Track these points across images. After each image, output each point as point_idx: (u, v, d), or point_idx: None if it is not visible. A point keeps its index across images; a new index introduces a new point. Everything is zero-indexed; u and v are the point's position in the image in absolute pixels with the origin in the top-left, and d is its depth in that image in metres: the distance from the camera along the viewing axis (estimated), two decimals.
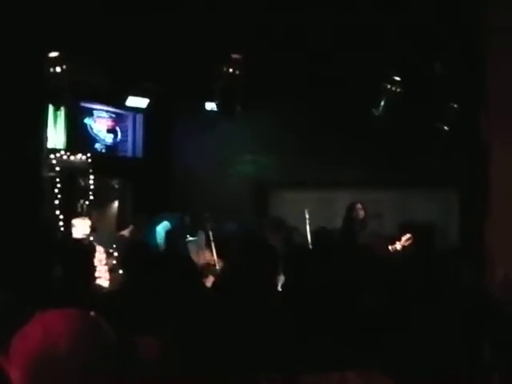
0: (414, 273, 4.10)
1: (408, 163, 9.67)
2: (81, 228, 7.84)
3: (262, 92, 9.44)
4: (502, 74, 6.45)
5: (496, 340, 2.84)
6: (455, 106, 8.53)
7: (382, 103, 8.85)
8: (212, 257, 7.95)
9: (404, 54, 8.22)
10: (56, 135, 9.73)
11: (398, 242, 7.30)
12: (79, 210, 9.28)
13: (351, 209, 7.96)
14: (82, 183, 9.55)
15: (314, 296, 3.13)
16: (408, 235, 7.31)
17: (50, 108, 9.07)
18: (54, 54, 7.51)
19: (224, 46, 8.05)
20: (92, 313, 2.12)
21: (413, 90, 8.82)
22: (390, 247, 7.29)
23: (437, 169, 9.34)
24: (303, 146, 10.33)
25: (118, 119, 11.29)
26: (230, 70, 8.19)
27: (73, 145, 9.91)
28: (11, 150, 7.56)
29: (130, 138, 11.53)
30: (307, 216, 8.06)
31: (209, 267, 7.62)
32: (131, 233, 8.83)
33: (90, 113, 10.85)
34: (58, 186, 9.05)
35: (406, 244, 7.25)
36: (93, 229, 8.25)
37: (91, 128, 10.87)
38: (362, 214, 7.89)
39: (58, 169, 9.12)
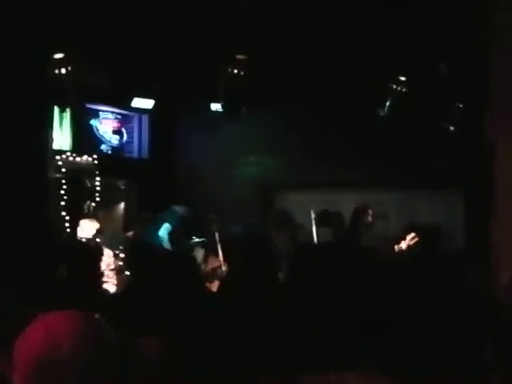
0: (418, 274, 4.09)
1: (413, 164, 9.66)
2: (87, 229, 7.85)
3: (267, 93, 9.43)
4: (505, 74, 6.42)
5: (499, 342, 2.84)
6: (460, 106, 8.51)
7: (388, 104, 8.83)
8: (218, 260, 7.94)
9: (409, 54, 8.20)
10: (62, 137, 9.76)
11: (403, 241, 7.28)
12: (85, 211, 9.31)
13: (359, 211, 7.93)
14: (88, 184, 9.58)
15: (318, 296, 3.13)
16: (413, 234, 7.29)
17: (56, 110, 9.09)
18: (58, 56, 7.53)
19: (228, 47, 8.06)
20: (95, 314, 2.13)
21: (418, 91, 8.81)
22: (395, 246, 7.27)
23: (442, 170, 9.32)
24: (308, 147, 10.33)
25: (123, 120, 11.31)
26: (235, 71, 8.19)
27: (79, 146, 9.94)
28: (17, 152, 7.58)
29: (135, 139, 11.54)
30: (313, 216, 8.06)
31: (215, 272, 7.61)
32: (135, 232, 8.85)
33: (95, 114, 10.88)
34: (64, 187, 9.08)
35: (412, 243, 7.23)
36: (99, 230, 8.27)
37: (97, 129, 10.89)
38: (369, 216, 7.87)
39: (63, 170, 9.15)
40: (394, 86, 8.81)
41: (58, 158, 9.16)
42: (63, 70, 7.59)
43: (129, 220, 10.43)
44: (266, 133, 10.54)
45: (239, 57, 8.17)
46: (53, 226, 8.57)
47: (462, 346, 2.78)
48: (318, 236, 7.84)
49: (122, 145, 11.33)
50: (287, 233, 7.69)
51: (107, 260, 6.83)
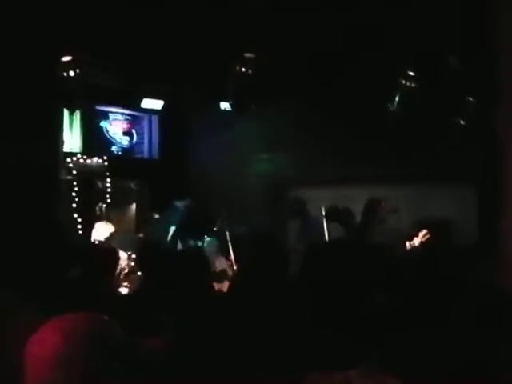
0: (430, 269, 4.07)
1: (424, 158, 9.61)
2: (102, 232, 7.87)
3: (277, 90, 9.42)
4: None
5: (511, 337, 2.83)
6: (471, 100, 8.47)
7: (397, 98, 8.81)
8: (228, 260, 7.95)
9: (418, 48, 8.17)
10: (72, 139, 9.80)
11: (415, 238, 7.26)
12: (97, 212, 9.34)
13: (371, 205, 7.90)
14: (99, 186, 9.61)
15: (328, 293, 3.13)
16: (425, 231, 7.27)
17: (66, 112, 9.13)
18: (67, 58, 7.56)
19: (237, 45, 8.06)
20: (104, 316, 2.14)
21: (429, 85, 8.77)
22: (407, 243, 7.25)
23: (453, 164, 9.27)
24: (318, 143, 10.30)
25: (133, 121, 11.34)
26: (243, 69, 8.19)
27: (89, 148, 9.97)
28: (28, 155, 7.62)
29: (145, 140, 11.58)
30: (323, 213, 8.05)
31: (225, 273, 7.61)
32: (144, 233, 8.88)
33: (105, 116, 10.92)
34: (75, 189, 9.12)
35: (424, 240, 7.21)
36: (112, 233, 8.30)
37: (107, 131, 10.93)
38: (382, 211, 7.84)
39: (74, 172, 9.18)
40: (404, 81, 8.77)
41: (68, 160, 9.20)
42: (72, 72, 7.62)
43: (140, 221, 10.46)
44: (277, 130, 10.52)
45: (247, 55, 8.17)
46: (65, 228, 8.60)
47: (475, 341, 2.77)
48: (328, 232, 7.85)
49: (132, 146, 11.36)
50: (301, 222, 7.76)
51: (122, 262, 6.85)
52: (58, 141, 8.93)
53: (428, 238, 7.19)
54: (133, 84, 9.73)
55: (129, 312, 3.28)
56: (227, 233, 8.27)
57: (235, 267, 7.67)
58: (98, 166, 9.63)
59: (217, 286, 6.77)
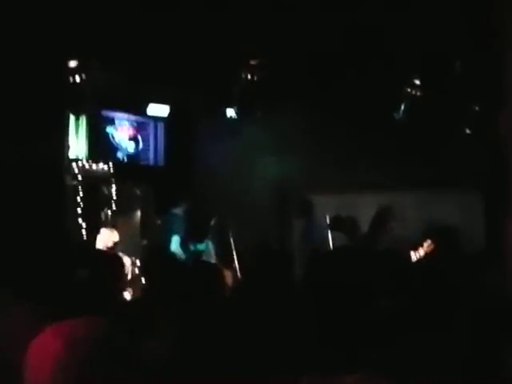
0: (436, 276, 4.05)
1: (431, 165, 9.59)
2: (106, 239, 7.86)
3: (283, 96, 9.42)
4: None
5: None
6: (477, 106, 8.46)
7: (403, 106, 8.80)
8: (231, 265, 7.93)
9: (424, 55, 8.16)
10: (78, 144, 9.80)
11: (420, 248, 7.22)
12: (102, 218, 9.34)
13: (382, 215, 7.83)
14: (105, 192, 9.60)
15: (332, 297, 3.11)
16: (429, 241, 7.23)
17: (72, 117, 9.14)
18: (73, 63, 7.57)
19: (242, 51, 8.06)
20: (106, 320, 2.13)
21: (434, 92, 8.75)
22: (413, 253, 7.21)
23: (459, 170, 9.25)
24: (324, 150, 10.29)
25: (139, 127, 11.34)
26: (249, 76, 8.19)
27: (95, 154, 9.97)
28: (33, 160, 7.62)
29: (151, 146, 11.57)
30: (328, 221, 8.03)
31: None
32: (149, 240, 8.89)
33: (111, 121, 10.91)
34: (81, 194, 9.11)
35: (429, 250, 7.18)
36: (115, 241, 8.29)
37: (113, 137, 10.92)
38: (392, 220, 7.79)
39: (80, 178, 9.18)
40: (409, 90, 8.77)
41: (74, 165, 9.19)
42: (78, 78, 7.63)
43: (145, 227, 10.46)
44: (282, 136, 10.51)
45: (253, 61, 8.17)
46: (70, 233, 8.60)
47: (481, 348, 2.75)
48: (332, 241, 7.82)
49: (138, 152, 11.35)
50: (306, 222, 7.77)
51: (126, 268, 6.84)
52: (64, 146, 8.93)
53: (433, 248, 7.16)
54: (139, 89, 9.75)
55: (133, 316, 3.26)
56: (232, 240, 8.26)
57: (239, 275, 7.65)
58: (104, 171, 9.62)
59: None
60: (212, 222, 8.68)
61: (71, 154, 9.45)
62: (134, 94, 10.03)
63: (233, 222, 8.63)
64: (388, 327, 2.93)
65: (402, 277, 3.71)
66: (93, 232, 8.25)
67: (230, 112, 10.09)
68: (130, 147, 11.21)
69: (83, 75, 7.68)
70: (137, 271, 7.89)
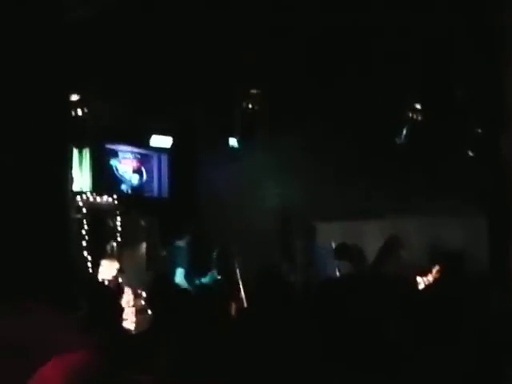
0: (442, 300, 4.03)
1: (434, 189, 9.57)
2: (108, 269, 7.86)
3: (285, 123, 9.45)
4: None
5: None
6: (479, 131, 8.47)
7: (405, 131, 8.81)
8: (238, 295, 7.88)
9: (425, 79, 8.20)
10: (82, 177, 9.84)
11: (430, 274, 7.18)
12: (108, 251, 9.33)
13: (391, 244, 7.75)
14: (110, 224, 9.61)
15: (339, 324, 3.10)
16: (437, 267, 7.20)
17: (75, 150, 9.18)
18: (76, 97, 7.62)
19: (243, 80, 8.11)
20: (105, 354, 2.12)
21: (436, 115, 8.77)
22: (421, 279, 7.17)
23: (463, 194, 9.22)
24: (328, 177, 10.29)
25: (143, 160, 11.40)
26: (249, 105, 8.24)
27: (99, 186, 10.00)
28: (37, 194, 7.64)
29: (155, 178, 11.61)
30: (333, 250, 8.00)
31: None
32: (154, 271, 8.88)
33: (115, 154, 10.98)
34: (85, 227, 9.12)
35: (436, 275, 7.13)
36: (121, 270, 8.27)
37: (117, 169, 10.98)
38: (400, 249, 7.72)
39: (84, 211, 9.19)
40: (411, 114, 8.79)
41: (78, 198, 9.22)
42: (80, 111, 7.69)
43: (151, 258, 10.44)
44: (286, 164, 10.52)
45: (253, 91, 8.22)
46: (74, 266, 8.59)
47: (486, 370, 2.72)
48: (338, 269, 7.77)
49: (141, 184, 11.40)
50: (308, 242, 7.75)
51: (127, 297, 6.82)
52: (68, 179, 8.95)
53: (441, 273, 7.11)
54: (141, 121, 9.80)
55: (134, 349, 3.25)
56: (237, 270, 8.23)
57: (245, 304, 7.61)
58: (108, 204, 9.64)
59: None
60: (214, 254, 8.66)
61: (75, 187, 9.48)
62: (136, 127, 10.10)
63: (238, 251, 8.59)
64: (395, 352, 2.91)
65: (409, 304, 3.69)
66: (98, 264, 8.25)
67: (232, 141, 10.13)
68: (134, 179, 11.26)
69: (85, 108, 7.74)
70: (143, 302, 7.86)
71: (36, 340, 2.76)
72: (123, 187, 11.06)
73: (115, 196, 9.75)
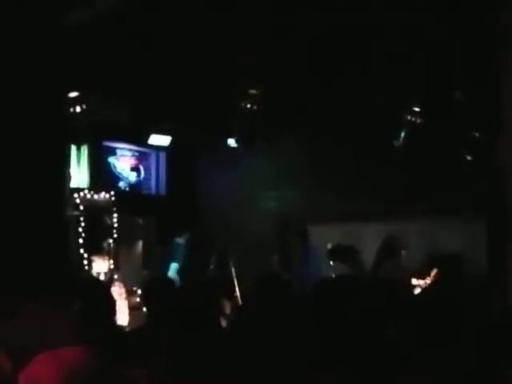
0: (441, 302, 4.02)
1: (432, 192, 9.56)
2: (100, 266, 7.86)
3: (284, 126, 9.44)
4: None
5: None
6: (478, 132, 8.46)
7: (403, 133, 8.81)
8: (233, 294, 7.89)
9: (424, 81, 8.19)
10: (80, 174, 9.83)
11: (428, 278, 7.17)
12: (104, 248, 9.31)
13: (389, 244, 7.73)
14: (107, 221, 9.60)
15: (338, 326, 3.09)
16: (435, 270, 7.18)
17: (73, 148, 9.18)
18: (74, 94, 7.61)
19: (243, 80, 8.10)
20: (99, 349, 2.10)
21: (435, 119, 8.77)
22: (419, 282, 7.15)
23: (462, 197, 9.22)
24: (326, 179, 10.27)
25: (141, 157, 11.39)
26: (248, 106, 8.23)
27: (96, 183, 9.99)
28: (35, 191, 7.62)
29: (153, 176, 11.61)
30: (328, 251, 7.96)
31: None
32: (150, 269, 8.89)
33: (113, 152, 10.97)
34: (83, 224, 9.10)
35: (436, 279, 7.12)
36: (116, 267, 8.26)
37: (115, 167, 10.97)
38: (398, 250, 7.69)
39: (81, 208, 9.18)
40: (409, 117, 8.78)
41: (76, 195, 9.20)
42: (79, 108, 7.67)
43: (147, 256, 10.43)
44: (285, 166, 10.51)
45: (252, 91, 8.22)
46: (72, 263, 8.57)
47: (486, 372, 2.71)
48: (333, 271, 7.75)
49: (139, 182, 11.39)
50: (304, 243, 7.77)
51: (118, 290, 6.81)
52: (66, 176, 8.94)
53: (439, 276, 7.10)
54: (140, 120, 9.79)
55: (130, 346, 3.24)
56: (233, 269, 8.23)
57: (240, 303, 7.61)
58: (106, 201, 9.62)
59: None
60: (212, 256, 8.66)
61: (73, 184, 9.47)
62: (135, 125, 10.08)
63: (234, 250, 8.60)
64: (393, 353, 2.90)
65: (407, 306, 3.68)
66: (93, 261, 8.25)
67: (231, 141, 10.12)
68: (132, 177, 11.25)
69: (84, 106, 7.72)
70: (138, 300, 7.85)
71: (31, 337, 2.75)
72: (121, 184, 11.05)
73: (113, 193, 9.72)
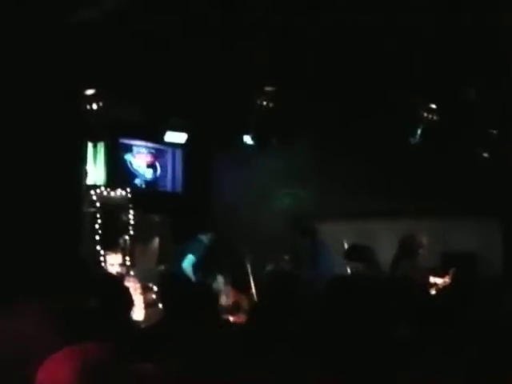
0: (455, 301, 4.02)
1: (448, 191, 9.52)
2: (115, 262, 7.91)
3: (299, 124, 9.43)
4: None
5: None
6: (494, 132, 8.42)
7: (419, 132, 8.77)
8: (246, 293, 7.92)
9: (439, 81, 8.15)
10: (96, 171, 9.89)
11: (447, 276, 7.16)
12: (120, 245, 9.36)
13: (406, 243, 7.68)
14: (123, 218, 9.64)
15: (350, 324, 3.10)
16: (452, 270, 7.18)
17: (90, 144, 9.23)
18: (90, 92, 7.65)
19: (259, 79, 8.10)
20: (113, 346, 2.13)
21: (451, 117, 8.72)
22: (437, 281, 7.15)
23: (476, 197, 9.17)
24: (341, 178, 10.26)
25: (157, 155, 11.44)
26: (264, 103, 8.24)
27: (113, 180, 10.04)
28: (52, 187, 7.68)
29: (169, 173, 11.65)
30: (345, 251, 7.97)
31: (237, 305, 7.60)
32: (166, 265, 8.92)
33: (129, 149, 11.02)
34: (99, 221, 9.15)
35: (451, 278, 7.12)
36: (132, 263, 8.31)
37: (131, 164, 11.03)
38: (415, 248, 7.65)
39: (98, 204, 9.23)
40: (426, 114, 8.74)
41: (92, 192, 9.26)
42: (95, 105, 7.72)
43: (163, 253, 10.48)
44: (299, 164, 10.51)
45: (268, 89, 8.22)
46: (87, 260, 8.63)
47: (500, 372, 2.71)
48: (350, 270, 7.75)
49: (155, 179, 11.44)
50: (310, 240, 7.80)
51: (133, 285, 6.86)
52: (82, 173, 9.00)
53: (454, 276, 7.09)
54: (156, 117, 9.82)
55: (146, 342, 3.27)
56: (248, 266, 8.26)
57: (256, 299, 7.64)
58: (122, 198, 9.67)
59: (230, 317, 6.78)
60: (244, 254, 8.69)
61: (89, 181, 9.53)
62: (151, 122, 10.12)
63: (249, 248, 8.61)
64: (406, 352, 2.91)
65: (421, 305, 3.69)
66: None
67: (247, 139, 10.13)
68: (148, 174, 11.30)
69: (100, 103, 7.76)
70: (153, 296, 7.90)
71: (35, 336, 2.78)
72: (137, 181, 11.10)
73: (129, 190, 9.77)
